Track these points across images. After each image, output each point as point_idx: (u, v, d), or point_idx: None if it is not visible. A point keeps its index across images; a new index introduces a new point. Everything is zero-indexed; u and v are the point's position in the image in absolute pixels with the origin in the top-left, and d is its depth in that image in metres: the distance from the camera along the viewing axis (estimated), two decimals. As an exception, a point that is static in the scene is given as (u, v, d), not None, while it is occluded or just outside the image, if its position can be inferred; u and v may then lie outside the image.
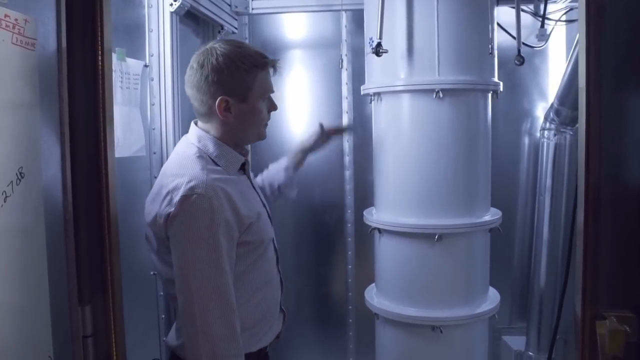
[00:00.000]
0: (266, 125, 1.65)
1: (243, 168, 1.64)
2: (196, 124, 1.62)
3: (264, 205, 1.68)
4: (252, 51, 1.57)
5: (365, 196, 2.92)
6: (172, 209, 1.42)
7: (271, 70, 1.60)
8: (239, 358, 1.46)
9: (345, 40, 3.02)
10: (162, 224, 1.44)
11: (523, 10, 2.73)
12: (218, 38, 2.69)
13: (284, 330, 1.76)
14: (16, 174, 0.96)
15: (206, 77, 1.51)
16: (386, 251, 2.31)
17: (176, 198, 1.42)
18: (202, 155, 1.53)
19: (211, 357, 1.41)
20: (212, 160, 1.54)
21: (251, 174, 1.74)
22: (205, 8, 2.42)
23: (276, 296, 1.70)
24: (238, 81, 1.52)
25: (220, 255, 1.42)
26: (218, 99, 1.52)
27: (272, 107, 1.64)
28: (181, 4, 2.13)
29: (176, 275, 1.44)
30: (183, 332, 1.47)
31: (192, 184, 1.43)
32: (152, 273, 2.05)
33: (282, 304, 1.75)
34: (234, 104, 1.53)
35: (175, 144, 2.13)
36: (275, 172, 2.08)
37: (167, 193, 1.44)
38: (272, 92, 1.63)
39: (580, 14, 1.19)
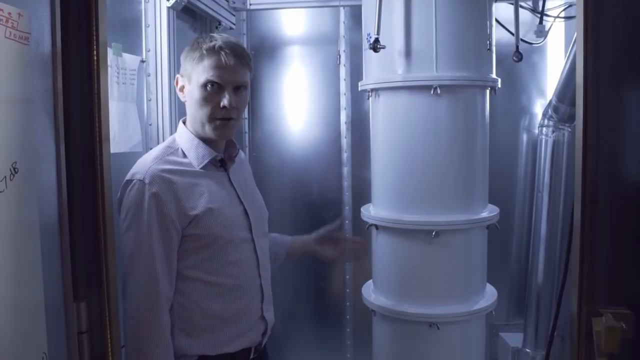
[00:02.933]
0: (216, 120, 1.56)
1: (223, 165, 1.65)
2: (184, 122, 1.67)
3: (242, 204, 1.65)
4: (213, 38, 1.57)
5: (363, 193, 2.91)
6: (119, 194, 1.51)
7: (223, 60, 1.53)
8: (162, 348, 1.48)
9: (344, 36, 3.01)
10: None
11: (521, 7, 2.73)
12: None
13: (264, 340, 1.70)
14: (10, 169, 0.95)
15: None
16: (383, 247, 2.30)
17: (122, 184, 1.51)
18: (171, 146, 1.61)
19: (134, 341, 1.46)
20: (183, 152, 1.59)
21: (242, 174, 1.74)
22: (203, 3, 2.41)
23: (250, 302, 1.64)
24: (187, 60, 1.59)
25: (151, 241, 1.47)
26: (176, 76, 1.64)
27: (222, 101, 1.54)
28: (178, -1, 2.12)
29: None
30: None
31: (135, 170, 1.52)
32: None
33: (265, 313, 1.68)
34: (185, 84, 1.61)
35: (171, 140, 2.13)
36: (278, 246, 1.98)
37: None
38: (219, 81, 1.54)
39: (578, 10, 1.19)
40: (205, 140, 1.61)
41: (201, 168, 1.58)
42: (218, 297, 1.57)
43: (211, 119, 1.57)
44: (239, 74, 1.57)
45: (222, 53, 1.53)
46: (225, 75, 1.55)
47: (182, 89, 1.62)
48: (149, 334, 1.46)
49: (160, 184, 1.48)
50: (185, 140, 1.61)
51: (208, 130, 1.58)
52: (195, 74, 1.56)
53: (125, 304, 1.48)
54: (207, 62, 1.54)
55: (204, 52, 1.54)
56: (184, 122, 1.66)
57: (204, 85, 1.55)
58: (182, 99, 1.64)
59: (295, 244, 2.01)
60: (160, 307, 1.48)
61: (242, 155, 1.84)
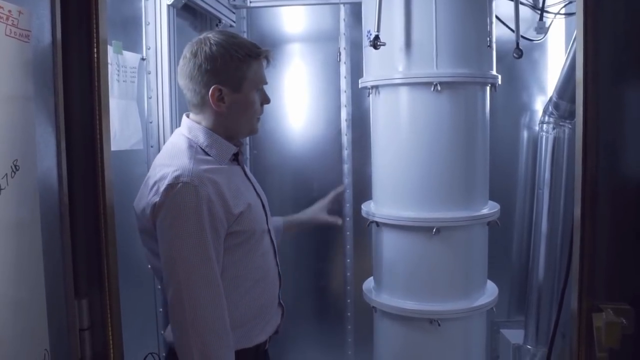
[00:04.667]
0: (259, 119, 1.63)
1: (237, 159, 1.62)
2: (188, 116, 1.61)
3: (259, 196, 1.66)
4: (246, 41, 1.57)
5: (363, 190, 2.92)
6: (158, 198, 1.41)
7: (264, 62, 1.59)
8: (229, 350, 1.45)
9: (344, 34, 3.01)
10: (149, 214, 1.43)
11: (522, 3, 2.72)
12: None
13: (282, 324, 1.74)
14: (11, 167, 0.95)
15: (199, 66, 1.50)
16: (384, 244, 2.31)
17: (162, 187, 1.41)
18: (192, 146, 1.52)
19: (200, 349, 1.40)
20: (203, 150, 1.53)
21: (245, 166, 1.72)
22: (203, 1, 2.41)
23: (273, 290, 1.67)
24: (232, 70, 1.51)
25: (206, 245, 1.41)
26: (212, 88, 1.50)
27: (265, 99, 1.62)
28: (178, -4, 2.12)
29: (163, 267, 1.43)
30: (172, 325, 1.46)
31: (177, 172, 1.42)
32: (149, 266, 2.04)
33: (281, 298, 1.72)
34: (227, 94, 1.52)
35: (172, 138, 2.13)
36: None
37: (154, 183, 1.44)
38: (266, 83, 1.61)
39: (578, 6, 1.19)
40: (222, 135, 1.57)
41: (224, 165, 1.56)
42: (251, 290, 1.57)
43: (257, 118, 1.62)
44: None
45: (265, 56, 1.57)
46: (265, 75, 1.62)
47: (221, 98, 1.53)
48: (217, 339, 1.42)
49: (207, 185, 1.43)
50: (203, 137, 1.54)
51: (252, 131, 1.63)
52: (248, 81, 1.54)
53: (182, 317, 1.41)
54: (258, 67, 1.56)
55: (250, 56, 1.53)
56: (196, 122, 1.58)
57: (257, 91, 1.58)
58: (218, 110, 1.53)
59: (288, 227, 2.03)
60: (223, 309, 1.45)
61: None
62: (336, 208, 2.03)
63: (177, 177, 1.41)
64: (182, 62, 1.55)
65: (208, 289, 1.42)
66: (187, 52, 1.54)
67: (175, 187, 1.40)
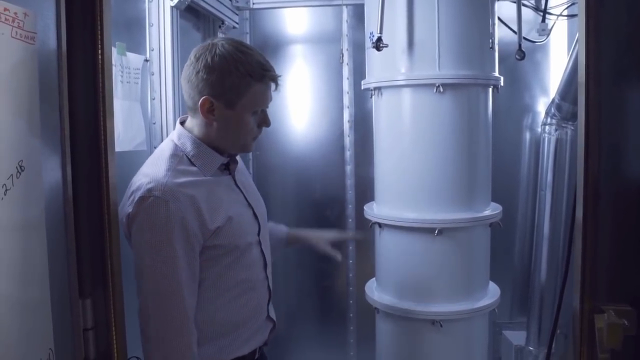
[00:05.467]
0: (255, 139, 1.56)
1: (228, 168, 1.58)
2: (181, 123, 1.57)
3: (250, 206, 1.60)
4: (254, 59, 1.47)
5: (366, 191, 2.93)
6: (131, 209, 1.39)
7: (272, 85, 1.51)
8: None
9: (347, 35, 3.02)
10: (125, 223, 1.42)
11: (524, 5, 2.74)
12: (219, 33, 2.70)
13: (271, 338, 1.68)
14: (16, 167, 0.96)
15: (197, 72, 1.46)
16: (386, 245, 2.31)
17: (136, 198, 1.39)
18: (177, 154, 1.49)
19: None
20: (189, 159, 1.49)
21: (243, 174, 1.68)
22: (206, 3, 2.42)
23: (259, 303, 1.62)
24: (227, 86, 1.45)
25: (175, 260, 1.38)
26: (203, 98, 1.45)
27: (264, 122, 1.55)
28: (182, -2, 2.13)
29: (135, 276, 1.42)
30: (141, 333, 1.43)
31: (150, 185, 1.39)
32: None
33: (270, 312, 1.67)
34: (218, 108, 1.46)
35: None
36: (274, 240, 1.92)
37: (132, 192, 1.42)
38: (266, 107, 1.54)
39: (580, 8, 1.19)
40: (210, 145, 1.52)
41: (210, 175, 1.51)
42: (231, 303, 1.53)
43: (250, 140, 1.54)
44: None
45: (272, 80, 1.50)
46: (270, 98, 1.54)
47: (211, 111, 1.47)
48: (181, 356, 1.41)
49: (181, 200, 1.39)
50: (190, 147, 1.50)
51: (240, 150, 1.57)
52: (244, 101, 1.47)
53: (147, 328, 1.40)
54: (259, 89, 1.48)
55: (252, 76, 1.45)
56: (181, 123, 1.57)
57: (255, 112, 1.51)
58: (207, 120, 1.48)
59: (292, 239, 1.98)
60: (188, 327, 1.42)
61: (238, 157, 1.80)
62: (337, 244, 1.99)
63: (149, 190, 1.38)
64: (187, 62, 1.52)
65: (173, 305, 1.40)
66: (192, 54, 1.50)
67: (147, 200, 1.38)
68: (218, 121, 1.48)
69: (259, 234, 1.61)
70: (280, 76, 1.53)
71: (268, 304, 1.65)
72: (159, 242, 1.38)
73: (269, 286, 1.65)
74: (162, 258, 1.38)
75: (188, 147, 1.50)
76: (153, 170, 1.44)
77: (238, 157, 1.68)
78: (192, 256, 1.42)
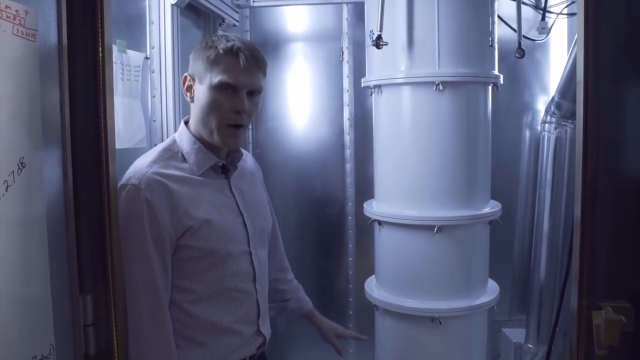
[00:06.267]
0: (229, 126, 1.49)
1: (225, 172, 1.57)
2: (186, 122, 1.58)
3: (241, 215, 1.57)
4: (228, 38, 1.50)
5: (365, 189, 2.93)
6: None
7: (242, 62, 1.46)
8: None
9: (347, 33, 3.03)
10: None
11: (524, 3, 2.74)
12: (219, 31, 2.70)
13: (259, 353, 1.64)
14: (17, 164, 0.97)
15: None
16: (386, 243, 2.32)
17: (118, 186, 1.41)
18: (171, 149, 1.52)
19: (137, 351, 1.38)
20: (183, 156, 1.51)
21: (246, 181, 1.66)
22: (207, 0, 2.42)
23: (245, 316, 1.57)
24: (199, 60, 1.49)
25: (147, 251, 1.39)
26: (184, 75, 1.54)
27: (238, 106, 1.47)
28: (182, -4, 2.13)
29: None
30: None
31: (130, 174, 1.43)
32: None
33: (262, 327, 1.61)
34: (194, 84, 1.52)
35: (175, 136, 2.14)
36: (295, 305, 1.97)
37: None
38: (235, 83, 1.47)
39: (579, 6, 1.19)
40: (206, 144, 1.52)
41: (200, 175, 1.50)
42: (212, 309, 1.50)
43: (221, 124, 1.48)
44: (255, 78, 1.49)
45: (242, 55, 1.45)
46: (242, 78, 1.46)
47: (189, 89, 1.52)
48: (154, 347, 1.40)
49: (156, 190, 1.40)
50: (186, 144, 1.52)
51: (216, 138, 1.49)
52: (208, 75, 1.46)
53: (128, 306, 1.39)
54: (224, 63, 1.46)
55: (221, 51, 1.45)
56: (186, 123, 1.58)
57: (218, 87, 1.46)
58: (188, 100, 1.54)
59: (309, 316, 2.00)
60: (165, 318, 1.42)
61: (250, 160, 1.78)
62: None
63: (128, 179, 1.42)
64: None
65: (146, 296, 1.40)
66: None
67: (125, 189, 1.41)
68: (195, 101, 1.52)
69: (249, 244, 1.57)
70: (242, 48, 1.47)
71: (258, 318, 1.61)
72: (132, 230, 1.39)
73: (257, 300, 1.60)
74: (134, 247, 1.39)
75: (184, 143, 1.53)
76: (140, 161, 1.49)
77: (253, 165, 1.73)
78: (162, 245, 1.42)
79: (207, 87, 1.47)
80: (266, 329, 1.65)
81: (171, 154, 1.51)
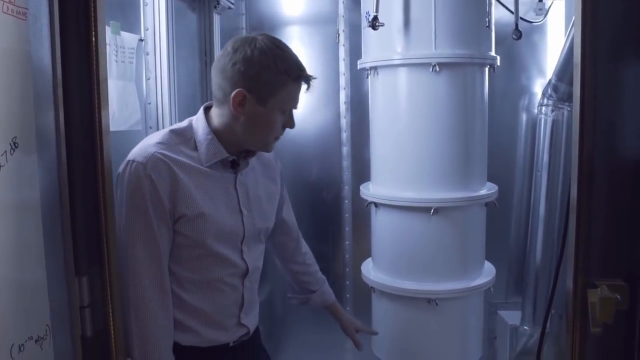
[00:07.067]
0: (277, 139, 1.55)
1: (234, 167, 1.56)
2: (206, 108, 1.57)
3: (241, 212, 1.57)
4: (292, 59, 1.49)
5: (362, 173, 2.92)
6: (120, 171, 1.46)
7: (304, 86, 1.51)
8: (167, 329, 1.48)
9: (343, 16, 3.00)
10: (115, 183, 1.45)
11: (521, -16, 2.71)
12: (214, 14, 2.67)
13: (240, 340, 1.64)
14: (10, 144, 0.96)
15: (234, 64, 1.44)
16: (383, 225, 2.32)
17: (125, 161, 1.46)
18: (183, 133, 1.52)
19: (135, 325, 1.43)
20: (195, 144, 1.51)
21: (253, 177, 1.64)
22: (201, -18, 2.40)
23: (226, 308, 1.59)
24: (264, 81, 1.44)
25: (150, 223, 1.42)
26: (236, 90, 1.43)
27: (289, 123, 1.54)
28: (176, -23, 2.11)
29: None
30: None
31: (136, 152, 1.46)
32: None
33: (243, 319, 1.62)
34: (249, 102, 1.45)
35: (170, 118, 2.13)
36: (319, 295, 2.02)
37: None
38: (295, 107, 1.54)
39: (576, -15, 1.18)
40: (221, 137, 1.51)
41: (208, 166, 1.50)
42: (195, 295, 1.53)
43: (272, 139, 1.54)
44: None
45: (306, 81, 1.50)
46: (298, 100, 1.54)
47: (242, 104, 1.45)
48: (154, 314, 1.44)
49: (161, 171, 1.42)
50: (200, 132, 1.51)
51: (261, 149, 1.56)
52: (273, 99, 1.46)
53: (127, 290, 1.42)
54: (293, 92, 1.49)
55: (290, 80, 1.46)
56: (206, 108, 1.56)
57: (284, 111, 1.50)
58: (235, 113, 1.46)
59: (330, 309, 2.05)
60: (163, 282, 1.46)
61: (268, 156, 1.73)
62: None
63: (135, 155, 1.45)
64: (221, 53, 1.50)
65: (147, 262, 1.44)
66: (229, 45, 1.47)
67: (130, 165, 1.43)
68: (246, 116, 1.47)
69: (242, 242, 1.58)
70: (315, 78, 1.53)
71: (240, 311, 1.61)
72: (136, 205, 1.42)
73: (243, 294, 1.61)
74: (138, 222, 1.42)
75: (199, 132, 1.52)
76: (147, 140, 1.50)
77: (269, 159, 1.72)
78: (164, 219, 1.45)
79: (269, 111, 1.47)
80: (250, 321, 1.65)
81: (183, 139, 1.51)
